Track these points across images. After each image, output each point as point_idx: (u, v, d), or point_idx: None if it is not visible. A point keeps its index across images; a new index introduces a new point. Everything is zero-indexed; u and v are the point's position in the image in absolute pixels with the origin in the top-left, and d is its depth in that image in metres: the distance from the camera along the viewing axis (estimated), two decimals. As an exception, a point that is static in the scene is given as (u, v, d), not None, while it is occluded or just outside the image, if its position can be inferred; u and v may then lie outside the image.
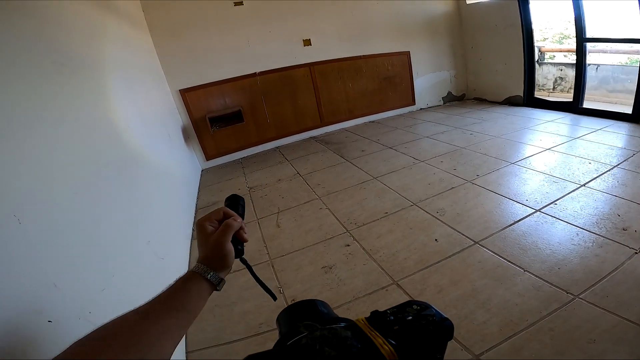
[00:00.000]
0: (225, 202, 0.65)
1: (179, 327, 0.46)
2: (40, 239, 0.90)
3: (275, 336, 1.48)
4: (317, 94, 4.55)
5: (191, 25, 3.75)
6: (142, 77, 2.77)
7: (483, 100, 5.17)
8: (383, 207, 2.49)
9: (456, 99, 5.48)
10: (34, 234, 0.88)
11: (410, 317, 0.37)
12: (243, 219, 0.64)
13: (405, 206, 2.45)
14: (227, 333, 1.59)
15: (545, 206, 2.16)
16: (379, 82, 4.87)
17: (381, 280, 1.77)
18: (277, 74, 4.26)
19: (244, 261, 0.66)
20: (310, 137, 4.68)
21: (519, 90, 4.55)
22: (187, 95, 3.87)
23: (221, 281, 0.54)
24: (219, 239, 0.55)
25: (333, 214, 2.51)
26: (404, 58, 4.92)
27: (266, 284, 0.66)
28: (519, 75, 4.44)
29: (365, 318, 0.39)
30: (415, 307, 0.39)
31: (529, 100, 4.49)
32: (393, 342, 0.34)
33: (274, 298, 0.69)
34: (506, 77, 4.64)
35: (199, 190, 3.51)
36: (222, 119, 3.95)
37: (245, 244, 0.63)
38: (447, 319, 0.37)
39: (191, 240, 2.45)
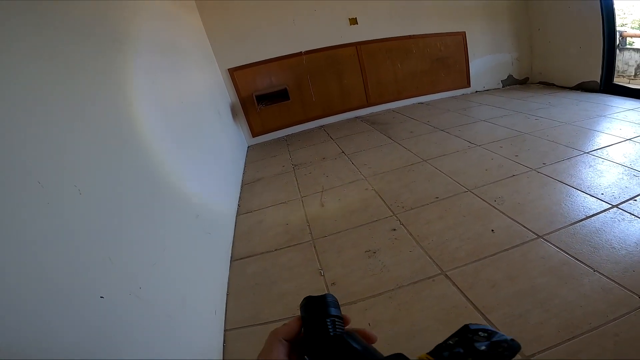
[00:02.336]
0: (301, 309, 0.44)
1: None
2: (99, 210, 0.89)
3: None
4: (364, 73, 4.48)
5: (238, 6, 3.79)
6: (193, 57, 2.84)
7: (550, 85, 4.72)
8: (434, 191, 2.34)
9: (518, 83, 5.09)
10: (94, 205, 0.87)
11: (483, 347, 0.33)
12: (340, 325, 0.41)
13: (458, 192, 2.28)
14: (265, 313, 1.56)
15: (624, 202, 1.89)
16: (430, 63, 4.68)
17: (428, 269, 1.65)
18: (322, 53, 4.24)
19: None
20: (356, 117, 4.62)
21: (594, 76, 4.10)
22: (235, 74, 3.99)
23: None
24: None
25: (379, 196, 2.41)
26: (459, 39, 4.67)
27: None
28: (596, 60, 4.01)
29: (428, 354, 0.34)
30: (482, 333, 0.34)
31: (607, 86, 4.03)
32: None
33: None
34: (580, 61, 4.21)
35: (245, 166, 3.57)
36: (268, 97, 4.02)
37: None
38: (514, 339, 0.33)
39: (236, 217, 2.48)
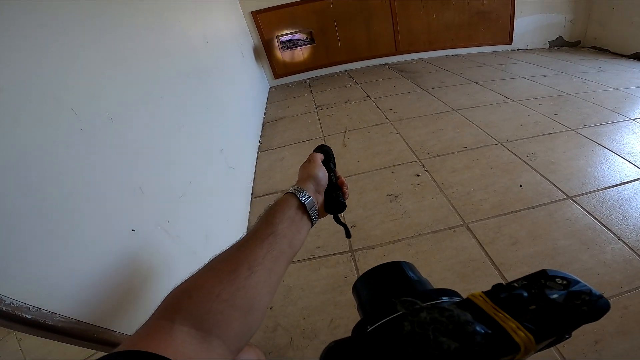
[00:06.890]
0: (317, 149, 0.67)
1: (264, 243, 0.43)
2: (129, 138, 0.89)
3: (329, 262, 1.40)
4: (395, 21, 4.21)
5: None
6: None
7: (604, 51, 4.36)
8: (462, 140, 2.25)
9: (568, 45, 4.69)
10: (125, 132, 0.87)
11: (555, 295, 0.27)
12: (335, 167, 0.64)
13: (488, 143, 2.19)
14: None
15: (663, 172, 1.78)
16: (469, 16, 4.34)
17: (450, 219, 1.62)
18: (352, -2, 4.01)
19: (337, 219, 0.63)
20: (383, 64, 4.44)
21: (655, 47, 3.78)
22: (259, 16, 3.89)
23: (303, 193, 0.52)
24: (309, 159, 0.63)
25: (404, 140, 2.33)
26: (507, -7, 4.26)
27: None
28: (662, 31, 3.68)
29: (483, 293, 0.29)
30: (559, 280, 0.29)
31: (667, 58, 3.73)
32: (531, 326, 0.25)
33: (348, 235, 0.66)
34: (643, 30, 3.86)
35: (266, 105, 3.54)
36: (292, 40, 4.00)
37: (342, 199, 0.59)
38: (601, 296, 0.27)
39: (257, 152, 2.48)
